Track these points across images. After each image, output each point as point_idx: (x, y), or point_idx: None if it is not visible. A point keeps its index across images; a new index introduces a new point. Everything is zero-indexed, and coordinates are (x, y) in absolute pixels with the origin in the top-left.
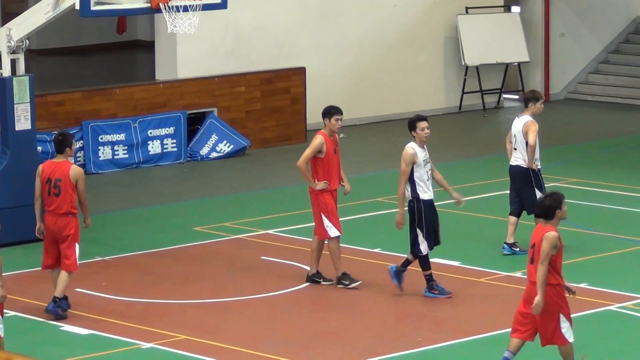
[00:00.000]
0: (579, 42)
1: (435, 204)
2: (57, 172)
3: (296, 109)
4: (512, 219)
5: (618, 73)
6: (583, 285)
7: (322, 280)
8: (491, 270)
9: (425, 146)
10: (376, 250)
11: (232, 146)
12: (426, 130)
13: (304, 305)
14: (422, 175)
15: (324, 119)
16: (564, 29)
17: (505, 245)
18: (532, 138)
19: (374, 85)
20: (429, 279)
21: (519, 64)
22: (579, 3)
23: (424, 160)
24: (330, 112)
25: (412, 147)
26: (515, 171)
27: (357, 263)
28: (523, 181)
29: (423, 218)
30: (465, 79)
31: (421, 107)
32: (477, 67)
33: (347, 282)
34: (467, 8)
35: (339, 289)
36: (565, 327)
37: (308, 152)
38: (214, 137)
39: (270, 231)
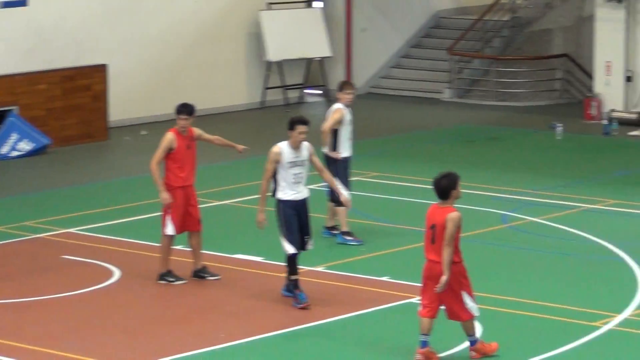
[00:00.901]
0: (380, 37)
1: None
2: None
3: (97, 107)
4: (329, 204)
5: (419, 67)
6: (385, 278)
7: (208, 275)
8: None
9: (304, 149)
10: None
11: (33, 144)
12: (302, 135)
13: (104, 303)
14: (286, 177)
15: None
16: (366, 24)
17: (325, 229)
18: (326, 124)
19: (177, 82)
20: (293, 284)
21: (322, 59)
22: None
23: (290, 162)
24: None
25: (278, 147)
26: (325, 156)
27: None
28: (329, 167)
29: (282, 219)
30: (268, 75)
31: (224, 103)
32: (279, 63)
33: (172, 279)
34: (269, 4)
35: (143, 287)
36: (469, 302)
37: (158, 152)
38: (14, 136)
39: (71, 230)
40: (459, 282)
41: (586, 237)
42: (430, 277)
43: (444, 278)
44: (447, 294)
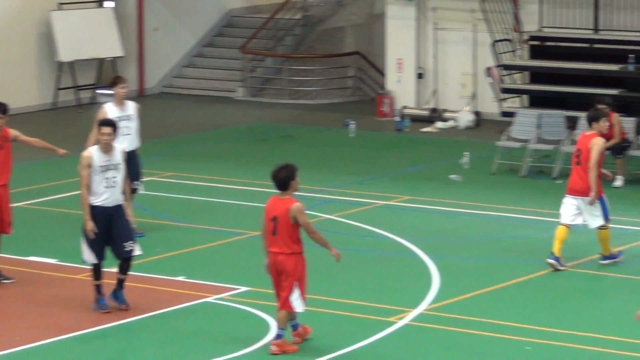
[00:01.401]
0: (172, 36)
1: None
2: None
3: None
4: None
5: (212, 66)
6: (180, 278)
7: (1, 278)
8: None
9: (117, 152)
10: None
11: None
12: (106, 137)
13: None
14: (98, 182)
15: None
16: (158, 24)
17: None
18: (99, 114)
19: None
20: (97, 290)
21: (114, 59)
22: None
23: (102, 167)
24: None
25: (89, 151)
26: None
27: None
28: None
29: (85, 225)
30: (59, 75)
31: (15, 104)
32: (71, 63)
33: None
34: (60, 4)
35: None
36: (296, 296)
37: None
38: None
39: None
40: (294, 272)
41: (381, 233)
42: (277, 270)
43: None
44: (286, 280)
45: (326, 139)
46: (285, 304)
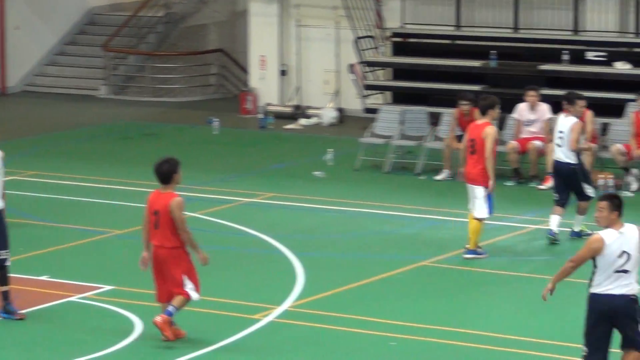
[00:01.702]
0: (34, 34)
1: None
2: None
3: None
4: None
5: (74, 64)
6: (44, 277)
7: None
8: None
9: None
10: None
11: None
12: None
13: None
14: None
15: None
16: (19, 22)
17: None
18: None
19: None
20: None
21: None
22: None
23: None
24: None
25: None
26: None
27: None
28: None
29: None
30: None
31: None
32: None
33: None
34: None
35: None
36: (190, 287)
37: None
38: None
39: None
40: (178, 266)
41: (245, 230)
42: (159, 263)
43: (200, 257)
44: (168, 278)
45: (190, 137)
46: (181, 292)
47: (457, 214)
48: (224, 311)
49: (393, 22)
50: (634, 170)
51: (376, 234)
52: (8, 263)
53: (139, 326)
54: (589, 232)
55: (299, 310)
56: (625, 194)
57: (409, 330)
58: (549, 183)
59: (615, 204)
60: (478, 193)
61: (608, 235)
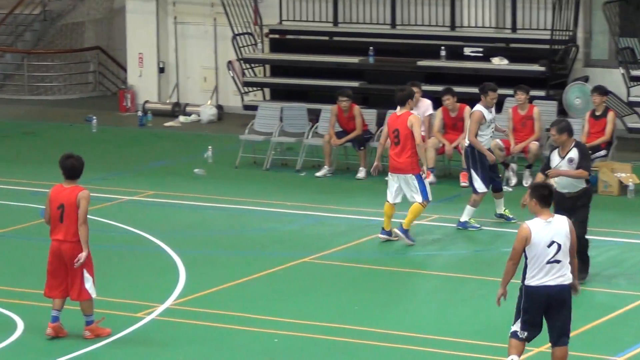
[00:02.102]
0: None
1: None
2: None
3: None
4: None
5: None
6: None
7: None
8: None
9: None
10: None
11: None
12: None
13: None
14: None
15: None
16: None
17: None
18: None
19: None
20: None
21: None
22: None
23: None
24: None
25: None
26: None
27: None
28: None
29: None
30: None
31: None
32: None
33: None
34: None
35: None
36: (89, 283)
37: None
38: None
39: None
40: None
41: (126, 228)
42: (59, 257)
43: (83, 254)
44: (70, 272)
45: (68, 135)
46: (82, 294)
47: (337, 210)
48: (107, 309)
49: (271, 19)
50: (513, 165)
51: (258, 231)
52: None
53: (20, 325)
54: (510, 216)
55: (181, 308)
56: (505, 189)
57: (291, 327)
58: (430, 178)
59: (541, 193)
60: (410, 180)
61: (534, 224)
